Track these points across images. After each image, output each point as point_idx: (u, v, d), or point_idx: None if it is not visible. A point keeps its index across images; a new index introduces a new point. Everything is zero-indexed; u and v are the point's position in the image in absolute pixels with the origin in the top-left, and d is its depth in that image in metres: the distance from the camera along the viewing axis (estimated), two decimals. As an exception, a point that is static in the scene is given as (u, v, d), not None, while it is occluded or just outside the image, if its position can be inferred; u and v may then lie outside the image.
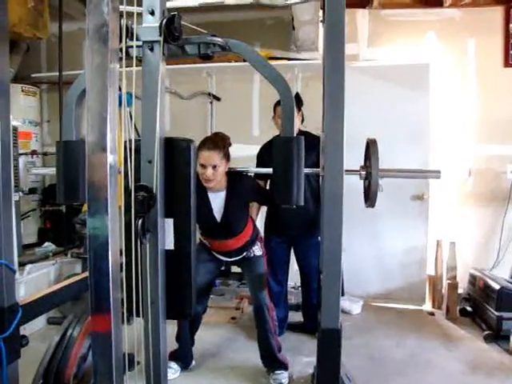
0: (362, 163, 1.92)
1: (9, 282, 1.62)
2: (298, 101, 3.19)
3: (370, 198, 1.81)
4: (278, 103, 3.18)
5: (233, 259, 2.84)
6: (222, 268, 3.07)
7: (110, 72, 1.21)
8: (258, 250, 2.83)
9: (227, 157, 2.52)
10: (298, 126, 3.18)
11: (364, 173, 1.87)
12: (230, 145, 2.58)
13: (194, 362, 2.95)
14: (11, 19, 2.93)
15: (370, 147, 1.83)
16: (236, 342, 3.36)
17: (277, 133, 3.05)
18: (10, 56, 1.72)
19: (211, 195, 2.61)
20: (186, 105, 4.53)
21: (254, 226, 2.89)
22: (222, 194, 2.61)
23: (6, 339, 1.54)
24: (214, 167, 2.45)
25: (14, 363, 1.63)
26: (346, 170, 1.65)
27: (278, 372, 2.76)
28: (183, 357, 2.88)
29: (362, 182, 1.99)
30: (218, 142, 2.49)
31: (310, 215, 3.17)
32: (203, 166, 2.45)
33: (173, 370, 2.79)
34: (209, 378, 2.81)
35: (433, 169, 4.08)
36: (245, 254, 2.81)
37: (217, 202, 2.62)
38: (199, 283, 2.64)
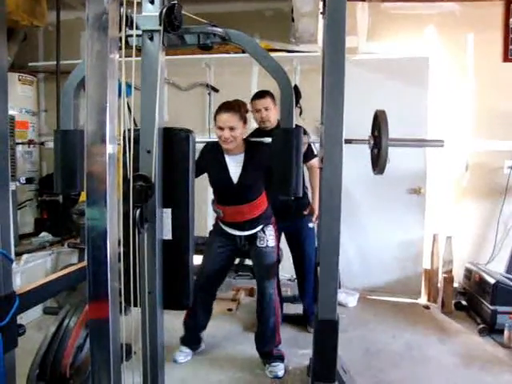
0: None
1: (6, 271, 1.62)
2: (297, 93, 3.19)
3: (379, 165, 1.85)
4: (254, 97, 3.21)
5: (246, 233, 2.78)
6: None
7: (109, 61, 1.20)
8: (272, 240, 2.81)
9: (244, 119, 2.59)
10: (276, 116, 3.20)
11: (373, 142, 1.90)
12: (247, 111, 2.65)
13: (203, 345, 3.04)
14: (8, 6, 2.90)
15: (380, 117, 1.86)
16: (232, 333, 3.38)
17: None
18: (7, 44, 1.70)
19: (229, 158, 2.67)
20: (185, 96, 4.51)
21: (268, 202, 2.86)
22: (240, 158, 2.67)
23: (3, 328, 1.54)
24: (232, 129, 2.52)
25: (11, 352, 1.63)
26: (354, 140, 1.66)
27: (275, 364, 2.78)
28: (192, 340, 2.97)
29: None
30: (235, 106, 2.58)
31: (298, 202, 3.14)
32: (221, 129, 2.53)
33: (184, 354, 2.90)
34: (205, 369, 2.83)
35: (431, 158, 4.16)
36: (258, 229, 2.78)
37: (234, 164, 2.67)
38: (211, 270, 2.77)
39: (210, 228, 3.00)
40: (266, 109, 3.13)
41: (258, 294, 2.86)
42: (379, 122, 1.85)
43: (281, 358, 2.82)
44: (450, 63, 4.18)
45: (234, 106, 2.57)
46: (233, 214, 2.74)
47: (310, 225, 3.31)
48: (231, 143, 2.56)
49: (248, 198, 2.71)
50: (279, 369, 2.76)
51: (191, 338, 2.97)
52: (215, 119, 2.59)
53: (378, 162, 1.85)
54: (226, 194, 2.73)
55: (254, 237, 2.79)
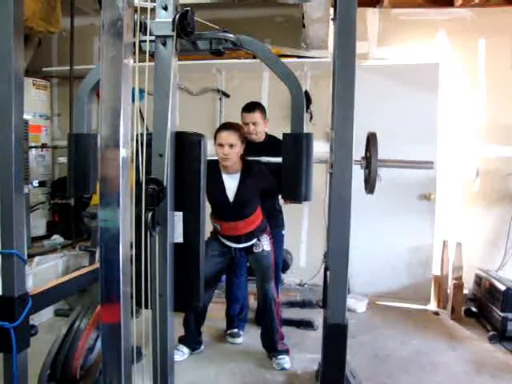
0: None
1: (19, 272, 1.64)
2: (307, 99, 3.20)
3: (369, 184, 1.96)
4: (243, 109, 3.18)
5: (241, 245, 2.90)
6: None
7: (124, 66, 1.22)
8: (267, 245, 2.92)
9: (242, 139, 2.71)
10: (264, 129, 3.22)
11: (365, 162, 2.01)
12: (243, 134, 2.79)
13: (202, 347, 3.09)
14: (25, 13, 2.96)
15: (371, 140, 1.97)
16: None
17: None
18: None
19: (226, 176, 2.77)
20: (196, 101, 4.54)
21: (263, 216, 2.95)
22: (236, 176, 2.77)
23: (17, 328, 1.56)
24: (231, 146, 2.63)
25: (24, 352, 1.65)
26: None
27: (281, 357, 2.91)
28: (191, 341, 3.02)
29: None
30: (234, 125, 2.73)
31: (268, 210, 3.12)
32: (221, 146, 2.64)
33: (181, 353, 2.95)
34: (215, 361, 2.95)
35: (441, 164, 4.12)
36: (254, 241, 2.89)
37: (231, 182, 2.77)
38: (205, 273, 2.73)
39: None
40: (254, 123, 3.13)
41: (260, 295, 2.99)
42: (370, 144, 1.95)
43: (286, 352, 2.96)
44: (460, 69, 4.17)
45: (233, 126, 2.72)
46: (229, 228, 2.86)
47: (283, 232, 3.38)
48: (230, 160, 2.67)
49: (243, 214, 2.81)
50: (285, 361, 2.89)
51: (190, 339, 3.03)
52: (215, 138, 2.69)
53: (369, 182, 1.96)
54: (222, 210, 2.84)
55: (250, 247, 2.91)
